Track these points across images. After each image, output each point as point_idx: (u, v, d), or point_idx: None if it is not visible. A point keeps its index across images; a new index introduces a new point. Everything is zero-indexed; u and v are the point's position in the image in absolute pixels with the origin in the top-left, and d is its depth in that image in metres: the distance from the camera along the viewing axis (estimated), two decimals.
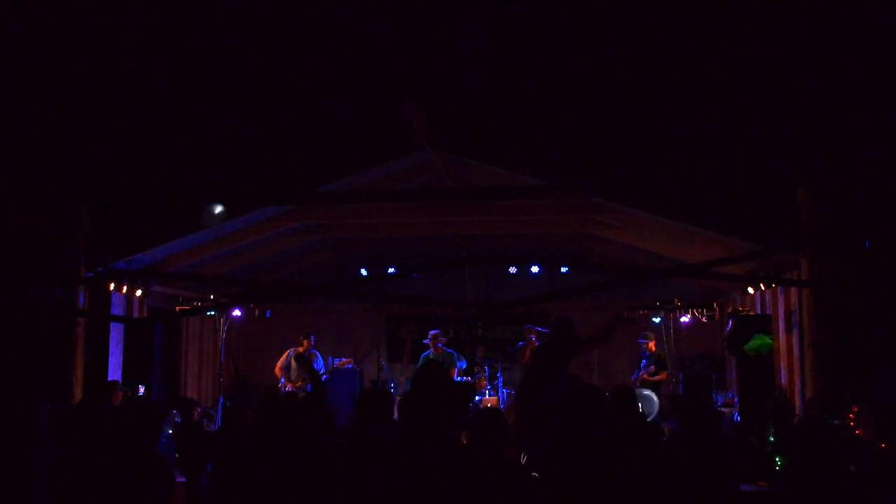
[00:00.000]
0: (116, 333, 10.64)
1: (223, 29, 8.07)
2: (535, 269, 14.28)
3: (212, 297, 13.35)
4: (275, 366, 12.59)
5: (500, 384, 13.02)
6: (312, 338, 12.49)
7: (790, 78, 7.79)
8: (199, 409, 9.43)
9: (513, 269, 14.17)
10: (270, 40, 8.25)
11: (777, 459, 7.50)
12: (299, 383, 12.07)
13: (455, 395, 4.15)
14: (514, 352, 12.33)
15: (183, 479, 7.17)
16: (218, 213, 7.92)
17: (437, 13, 7.69)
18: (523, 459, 6.67)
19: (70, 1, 7.80)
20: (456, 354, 12.86)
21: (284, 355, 12.49)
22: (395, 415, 5.18)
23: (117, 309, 10.65)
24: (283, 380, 12.35)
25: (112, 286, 10.32)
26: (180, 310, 12.66)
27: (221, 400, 12.80)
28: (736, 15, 7.49)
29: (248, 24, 8.06)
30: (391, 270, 13.24)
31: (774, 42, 7.61)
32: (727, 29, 7.71)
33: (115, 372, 10.45)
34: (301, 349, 12.32)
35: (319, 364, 12.47)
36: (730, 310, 11.89)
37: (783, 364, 10.36)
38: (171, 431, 10.17)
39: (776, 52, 7.66)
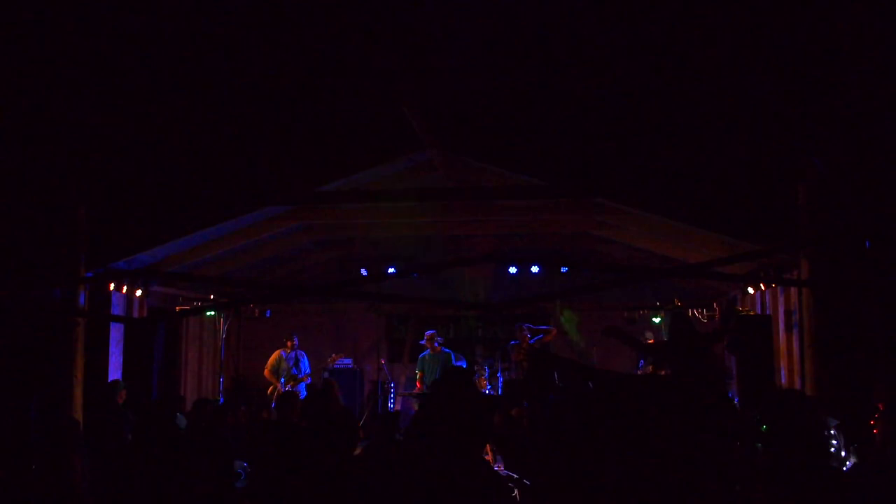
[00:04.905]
0: (116, 333, 10.63)
1: (223, 29, 8.07)
2: (535, 269, 14.28)
3: (212, 297, 13.35)
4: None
5: (501, 383, 13.02)
6: (296, 339, 12.53)
7: (790, 77, 7.79)
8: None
9: (513, 269, 14.17)
10: (270, 40, 8.25)
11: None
12: (290, 384, 12.11)
13: (481, 407, 4.07)
14: (509, 349, 12.32)
15: None
16: None
17: (438, 13, 7.69)
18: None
19: (70, 1, 7.80)
20: (454, 354, 12.85)
21: (273, 357, 12.50)
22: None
23: (117, 309, 10.65)
24: (282, 380, 12.35)
25: (112, 286, 10.32)
26: (180, 310, 12.67)
27: (221, 400, 12.81)
28: (736, 14, 7.48)
29: (248, 24, 8.05)
30: (391, 270, 13.24)
31: (774, 42, 7.61)
32: (727, 28, 7.71)
33: (115, 372, 10.45)
34: (287, 350, 12.39)
35: (305, 365, 12.49)
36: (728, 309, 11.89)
37: (783, 364, 10.36)
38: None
39: (776, 51, 7.66)
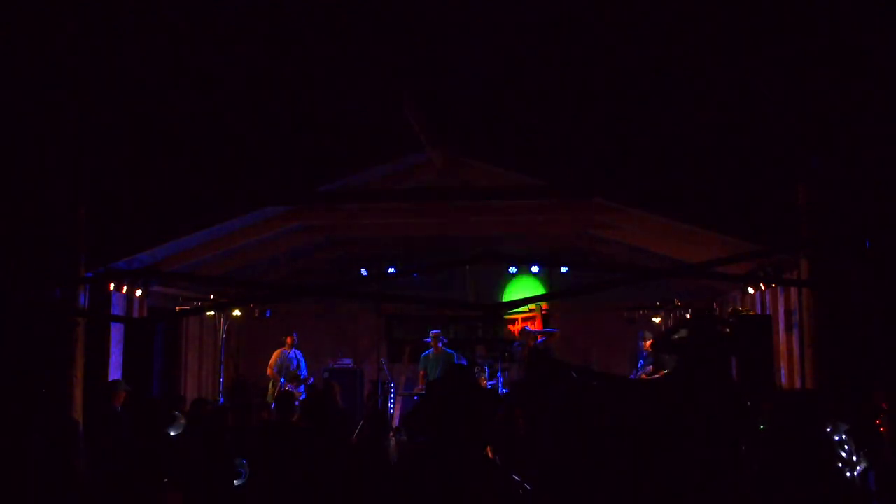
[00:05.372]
0: (116, 333, 10.62)
1: (223, 29, 8.08)
2: (535, 269, 14.28)
3: (212, 297, 13.35)
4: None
5: (500, 383, 13.03)
6: (295, 335, 12.55)
7: (790, 78, 7.80)
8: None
9: (513, 269, 14.17)
10: (271, 40, 8.26)
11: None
12: (293, 384, 12.14)
13: (484, 401, 4.05)
14: (512, 351, 12.35)
15: None
16: None
17: (438, 13, 7.70)
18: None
19: (70, 1, 7.81)
20: (456, 354, 12.88)
21: (275, 356, 12.53)
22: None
23: (117, 309, 10.63)
24: (282, 380, 12.37)
25: (112, 286, 10.31)
26: (180, 310, 12.66)
27: (221, 400, 12.82)
28: (736, 14, 7.49)
29: (248, 25, 8.06)
30: (391, 270, 13.24)
31: (774, 42, 7.62)
32: (727, 29, 7.72)
33: (115, 372, 10.43)
34: (287, 348, 12.41)
35: (302, 366, 12.51)
36: (730, 310, 11.88)
37: (783, 364, 10.35)
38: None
39: (776, 52, 7.66)
